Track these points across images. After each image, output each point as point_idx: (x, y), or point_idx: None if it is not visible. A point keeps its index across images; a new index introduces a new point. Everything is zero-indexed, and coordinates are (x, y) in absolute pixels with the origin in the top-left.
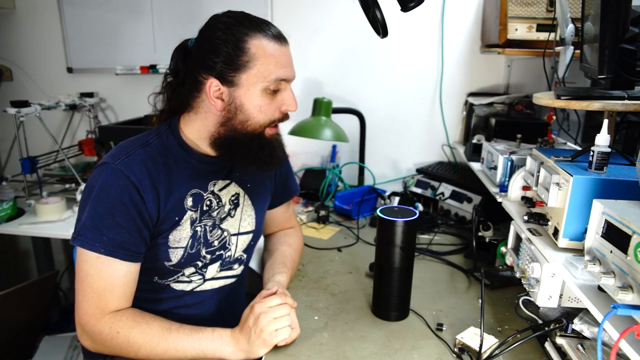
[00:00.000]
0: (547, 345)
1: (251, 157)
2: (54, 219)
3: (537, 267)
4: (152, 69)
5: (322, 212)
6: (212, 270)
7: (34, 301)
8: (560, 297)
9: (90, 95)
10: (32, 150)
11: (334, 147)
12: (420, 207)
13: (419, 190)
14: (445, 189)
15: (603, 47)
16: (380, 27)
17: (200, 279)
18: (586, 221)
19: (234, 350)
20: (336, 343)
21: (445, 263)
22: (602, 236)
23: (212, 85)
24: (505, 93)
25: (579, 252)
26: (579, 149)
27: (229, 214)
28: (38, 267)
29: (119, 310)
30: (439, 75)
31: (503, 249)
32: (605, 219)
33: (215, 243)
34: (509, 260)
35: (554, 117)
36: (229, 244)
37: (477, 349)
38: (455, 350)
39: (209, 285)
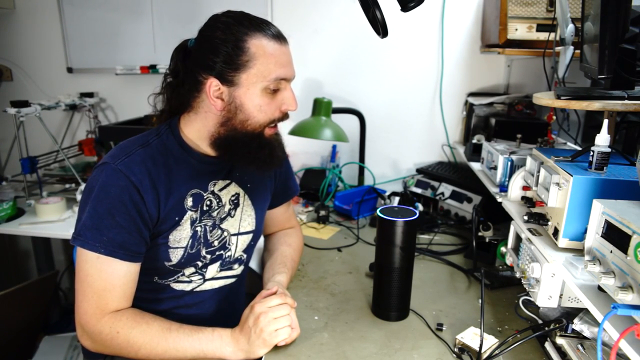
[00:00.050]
0: (547, 345)
1: (251, 157)
2: (54, 219)
3: (537, 267)
4: (152, 69)
5: (322, 212)
6: (212, 270)
7: (34, 301)
8: (560, 297)
9: (90, 95)
10: (32, 150)
11: (334, 147)
12: (420, 207)
13: (419, 190)
14: (445, 189)
15: (603, 47)
16: (380, 27)
17: (200, 279)
18: (586, 221)
19: (234, 350)
20: (336, 343)
21: (445, 263)
22: (602, 236)
23: (212, 85)
24: (505, 93)
25: (579, 252)
26: (579, 149)
27: (229, 214)
28: (38, 267)
29: (119, 310)
30: (439, 75)
31: (503, 249)
32: (605, 219)
33: (215, 243)
34: (509, 260)
35: (554, 117)
36: (229, 244)
37: (477, 349)
38: (455, 350)
39: (209, 285)
